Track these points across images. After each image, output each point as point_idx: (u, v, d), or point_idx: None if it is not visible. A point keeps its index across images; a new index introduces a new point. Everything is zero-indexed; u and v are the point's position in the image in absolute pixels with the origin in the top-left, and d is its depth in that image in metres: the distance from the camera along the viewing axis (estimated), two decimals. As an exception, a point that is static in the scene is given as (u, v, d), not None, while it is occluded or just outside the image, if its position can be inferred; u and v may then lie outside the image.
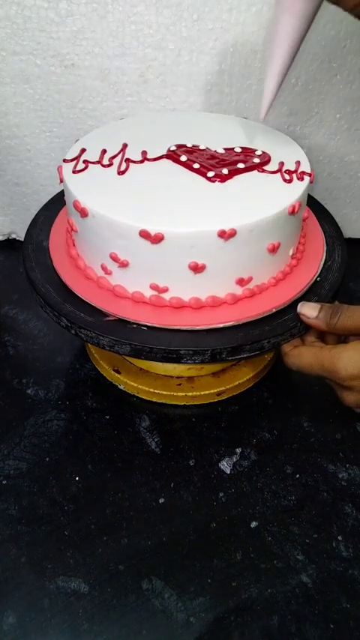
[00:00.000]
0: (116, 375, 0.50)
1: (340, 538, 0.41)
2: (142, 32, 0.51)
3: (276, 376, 0.52)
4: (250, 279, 0.42)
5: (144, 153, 0.45)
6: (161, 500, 0.43)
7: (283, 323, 0.41)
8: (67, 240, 0.47)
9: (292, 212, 0.41)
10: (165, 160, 0.44)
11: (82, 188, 0.41)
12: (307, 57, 0.54)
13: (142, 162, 0.44)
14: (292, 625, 0.36)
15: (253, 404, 0.50)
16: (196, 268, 0.39)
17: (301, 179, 0.43)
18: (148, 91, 0.55)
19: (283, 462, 0.45)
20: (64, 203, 0.49)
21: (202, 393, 0.49)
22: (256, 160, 0.43)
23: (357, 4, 0.34)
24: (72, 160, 0.44)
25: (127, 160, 0.44)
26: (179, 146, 0.45)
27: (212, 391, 0.49)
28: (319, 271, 0.46)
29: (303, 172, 0.43)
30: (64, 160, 0.44)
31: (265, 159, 0.44)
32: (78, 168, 0.43)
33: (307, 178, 0.43)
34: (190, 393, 0.49)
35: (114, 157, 0.44)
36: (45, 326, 0.58)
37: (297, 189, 0.42)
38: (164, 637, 0.36)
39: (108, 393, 0.51)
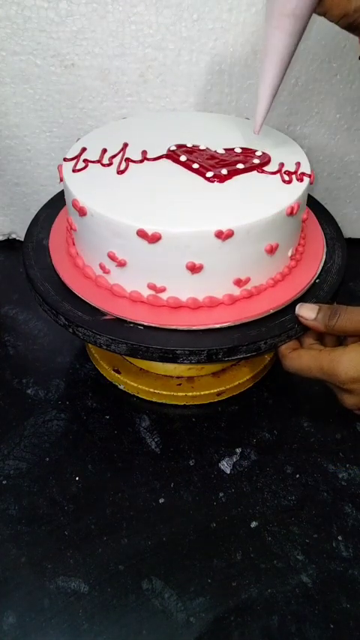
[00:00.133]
0: (116, 375, 0.50)
1: (340, 538, 0.41)
2: (142, 32, 0.51)
3: (276, 376, 0.52)
4: (247, 280, 0.42)
5: (144, 152, 0.45)
6: (161, 500, 0.43)
7: (281, 324, 0.41)
8: (67, 238, 0.47)
9: (291, 213, 0.41)
10: (165, 159, 0.44)
11: (81, 187, 0.41)
12: (307, 57, 0.54)
13: (141, 161, 0.44)
14: (292, 625, 0.36)
15: (253, 404, 0.50)
16: (194, 268, 0.39)
17: (300, 180, 0.43)
18: (148, 91, 0.55)
19: (283, 462, 0.45)
20: (65, 202, 0.49)
21: (202, 393, 0.49)
22: (256, 161, 0.43)
23: (343, 15, 0.35)
24: (72, 158, 0.44)
25: (127, 160, 0.44)
26: (179, 146, 0.45)
27: (212, 391, 0.49)
28: (318, 273, 0.46)
29: (303, 173, 0.43)
30: (65, 159, 0.45)
31: (265, 159, 0.44)
32: (78, 167, 0.43)
33: (306, 179, 0.43)
34: (190, 393, 0.49)
35: (114, 156, 0.45)
36: (45, 326, 0.58)
37: (296, 190, 0.42)
38: (164, 637, 0.36)
39: (108, 393, 0.51)
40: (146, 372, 0.51)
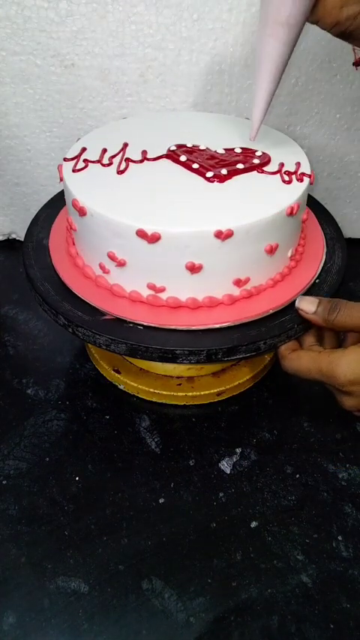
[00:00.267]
0: (116, 375, 0.50)
1: (340, 538, 0.41)
2: (142, 32, 0.51)
3: (276, 376, 0.52)
4: (247, 280, 0.42)
5: (144, 152, 0.45)
6: (161, 500, 0.43)
7: (280, 324, 0.41)
8: (67, 238, 0.47)
9: (291, 213, 0.41)
10: (165, 159, 0.44)
11: (81, 187, 0.41)
12: (307, 57, 0.54)
13: (141, 161, 0.44)
14: (292, 625, 0.36)
15: (253, 404, 0.50)
16: (193, 268, 0.39)
17: (300, 180, 0.43)
18: (148, 91, 0.55)
19: (283, 462, 0.45)
20: (65, 202, 0.49)
21: (202, 393, 0.49)
22: (256, 161, 0.43)
23: (335, 23, 0.35)
24: (72, 158, 0.44)
25: (127, 160, 0.44)
26: (179, 146, 0.45)
27: (212, 391, 0.49)
28: (318, 273, 0.46)
29: (303, 174, 0.43)
30: (65, 159, 0.45)
31: (265, 159, 0.44)
32: (78, 167, 0.43)
33: (306, 180, 0.43)
34: (190, 393, 0.49)
35: (114, 156, 0.45)
36: (45, 326, 0.58)
37: (296, 191, 0.42)
38: (164, 637, 0.36)
39: (108, 393, 0.51)
40: (146, 372, 0.51)
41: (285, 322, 0.42)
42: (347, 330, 0.42)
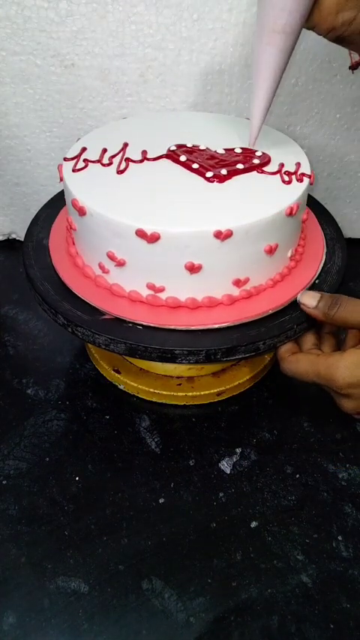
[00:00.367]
0: (116, 375, 0.50)
1: (340, 538, 0.41)
2: (142, 32, 0.51)
3: (276, 376, 0.52)
4: (247, 280, 0.42)
5: (144, 152, 0.45)
6: (161, 500, 0.43)
7: (280, 324, 0.41)
8: (67, 238, 0.47)
9: (291, 214, 0.40)
10: (164, 159, 0.44)
11: (80, 186, 0.41)
12: (307, 57, 0.54)
13: (141, 161, 0.44)
14: (292, 625, 0.36)
15: (253, 404, 0.50)
16: (193, 268, 0.39)
17: (300, 180, 0.43)
18: (148, 91, 0.55)
19: (283, 462, 0.45)
20: (65, 202, 0.49)
21: (202, 393, 0.49)
22: (256, 161, 0.43)
23: (330, 29, 0.36)
24: (72, 158, 0.44)
25: (127, 160, 0.44)
26: (179, 146, 0.45)
27: (212, 391, 0.49)
28: (317, 274, 0.46)
29: (303, 174, 0.43)
30: (65, 159, 0.45)
31: (265, 160, 0.44)
32: (78, 166, 0.43)
33: (306, 180, 0.43)
34: (190, 393, 0.49)
35: (114, 156, 0.45)
36: (45, 326, 0.58)
37: (296, 191, 0.42)
38: (164, 637, 0.36)
39: (108, 393, 0.51)
40: (146, 372, 0.51)
41: (284, 322, 0.42)
42: (347, 327, 0.42)
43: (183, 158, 0.43)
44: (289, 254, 0.44)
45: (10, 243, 0.70)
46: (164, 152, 0.45)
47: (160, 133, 0.48)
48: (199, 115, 0.53)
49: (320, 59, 0.54)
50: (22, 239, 0.62)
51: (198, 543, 0.40)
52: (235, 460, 0.46)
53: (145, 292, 0.41)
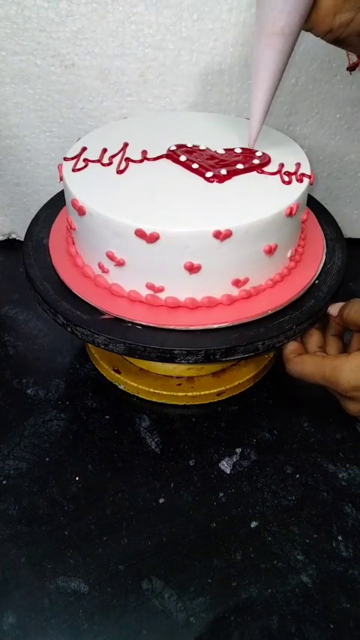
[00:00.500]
0: (116, 375, 0.50)
1: (340, 538, 0.41)
2: (142, 32, 0.51)
3: (276, 376, 0.52)
4: (246, 281, 0.42)
5: (144, 152, 0.45)
6: (161, 500, 0.43)
7: (279, 325, 0.41)
8: (67, 238, 0.47)
9: (290, 214, 0.40)
10: (164, 159, 0.44)
11: (80, 186, 0.41)
12: (307, 57, 0.54)
13: (141, 161, 0.44)
14: (292, 625, 0.36)
15: (253, 404, 0.50)
16: (192, 268, 0.39)
17: (300, 181, 0.43)
18: (148, 91, 0.55)
19: (283, 462, 0.45)
20: (65, 202, 0.49)
21: (202, 393, 0.49)
22: (256, 161, 0.43)
23: (328, 30, 0.36)
24: (72, 158, 0.44)
25: (127, 159, 0.44)
26: (179, 146, 0.45)
27: (212, 391, 0.49)
28: (317, 274, 0.46)
29: (303, 174, 0.43)
30: (65, 159, 0.45)
31: (265, 160, 0.44)
32: (78, 166, 0.43)
33: (306, 180, 0.43)
34: (190, 393, 0.49)
35: (114, 155, 0.45)
36: (45, 326, 0.58)
37: (296, 191, 0.42)
38: (164, 637, 0.36)
39: (108, 393, 0.51)
40: (146, 372, 0.51)
41: (284, 323, 0.42)
42: (358, 327, 0.42)
43: (183, 158, 0.43)
44: (288, 254, 0.44)
45: (10, 243, 0.70)
46: (164, 152, 0.45)
47: (160, 133, 0.48)
48: (199, 115, 0.53)
49: (320, 59, 0.54)
50: (22, 239, 0.62)
51: (198, 543, 0.40)
52: (235, 460, 0.46)
53: (144, 292, 0.41)
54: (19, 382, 0.52)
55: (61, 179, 0.44)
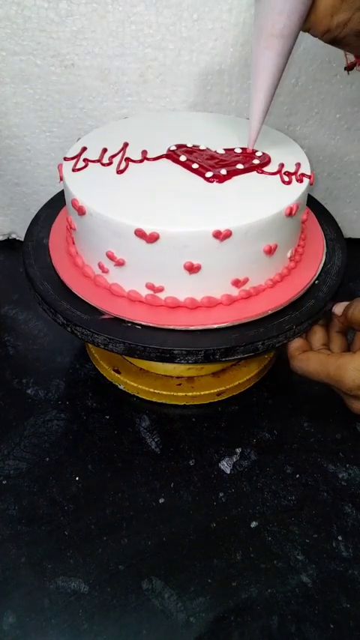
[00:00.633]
0: (116, 375, 0.50)
1: (340, 538, 0.41)
2: (142, 32, 0.51)
3: (276, 376, 0.52)
4: (246, 281, 0.42)
5: (144, 152, 0.45)
6: (161, 500, 0.43)
7: (279, 325, 0.41)
8: (67, 238, 0.47)
9: (290, 214, 0.40)
10: (164, 159, 0.44)
11: (80, 186, 0.41)
12: (307, 57, 0.54)
13: (141, 161, 0.44)
14: (292, 625, 0.36)
15: (253, 404, 0.50)
16: (192, 268, 0.39)
17: (300, 181, 0.43)
18: (148, 91, 0.55)
19: (283, 462, 0.45)
20: (65, 202, 0.49)
21: (202, 393, 0.49)
22: (256, 161, 0.43)
23: (325, 30, 0.36)
24: (72, 158, 0.44)
25: (127, 159, 0.44)
26: (179, 146, 0.45)
27: (212, 391, 0.49)
28: (317, 274, 0.46)
29: (303, 174, 0.43)
30: (65, 159, 0.45)
31: (265, 160, 0.44)
32: (78, 166, 0.43)
33: (306, 180, 0.43)
34: (190, 393, 0.49)
35: (114, 155, 0.45)
36: (45, 326, 0.58)
37: (296, 191, 0.42)
38: (164, 637, 0.36)
39: (108, 393, 0.51)
40: (146, 372, 0.51)
41: (283, 323, 0.42)
42: (357, 326, 0.43)
43: (183, 158, 0.43)
44: (288, 254, 0.44)
45: (10, 243, 0.70)
46: (164, 152, 0.45)
47: (160, 133, 0.48)
48: (199, 115, 0.53)
49: (320, 59, 0.54)
50: (22, 239, 0.62)
51: (198, 543, 0.40)
52: (235, 460, 0.46)
53: (144, 292, 0.41)
54: (19, 382, 0.52)
55: (61, 179, 0.44)
